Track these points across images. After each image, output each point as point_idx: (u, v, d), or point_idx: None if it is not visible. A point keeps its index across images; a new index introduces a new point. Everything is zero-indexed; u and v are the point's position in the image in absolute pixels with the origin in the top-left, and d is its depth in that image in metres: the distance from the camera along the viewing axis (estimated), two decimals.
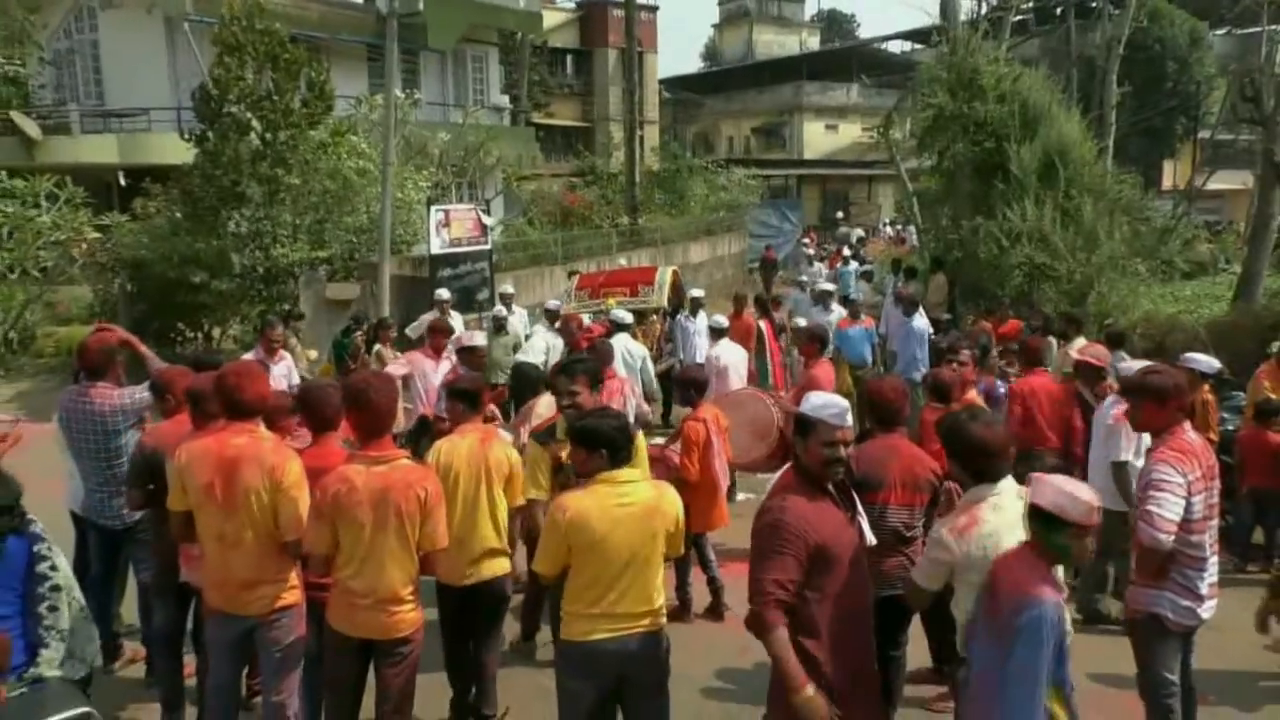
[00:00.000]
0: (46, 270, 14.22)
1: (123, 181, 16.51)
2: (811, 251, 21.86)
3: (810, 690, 3.16)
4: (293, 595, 3.91)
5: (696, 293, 11.23)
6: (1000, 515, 3.25)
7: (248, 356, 7.39)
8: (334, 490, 3.65)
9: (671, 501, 3.59)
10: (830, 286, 12.05)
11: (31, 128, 18.19)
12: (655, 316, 11.59)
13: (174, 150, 14.45)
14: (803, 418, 3.43)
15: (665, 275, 12.15)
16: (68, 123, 19.28)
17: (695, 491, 5.60)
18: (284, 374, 7.87)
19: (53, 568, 3.41)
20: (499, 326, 10.12)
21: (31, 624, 3.36)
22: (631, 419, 6.87)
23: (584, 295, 11.88)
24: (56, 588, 3.41)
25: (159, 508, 4.21)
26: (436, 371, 7.98)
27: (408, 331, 9.99)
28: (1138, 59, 22.60)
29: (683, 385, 6.20)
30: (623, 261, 19.16)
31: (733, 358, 8.70)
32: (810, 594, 3.29)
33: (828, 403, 3.40)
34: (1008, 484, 3.34)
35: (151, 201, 14.09)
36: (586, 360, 5.22)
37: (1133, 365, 4.89)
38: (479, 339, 7.54)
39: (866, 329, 10.17)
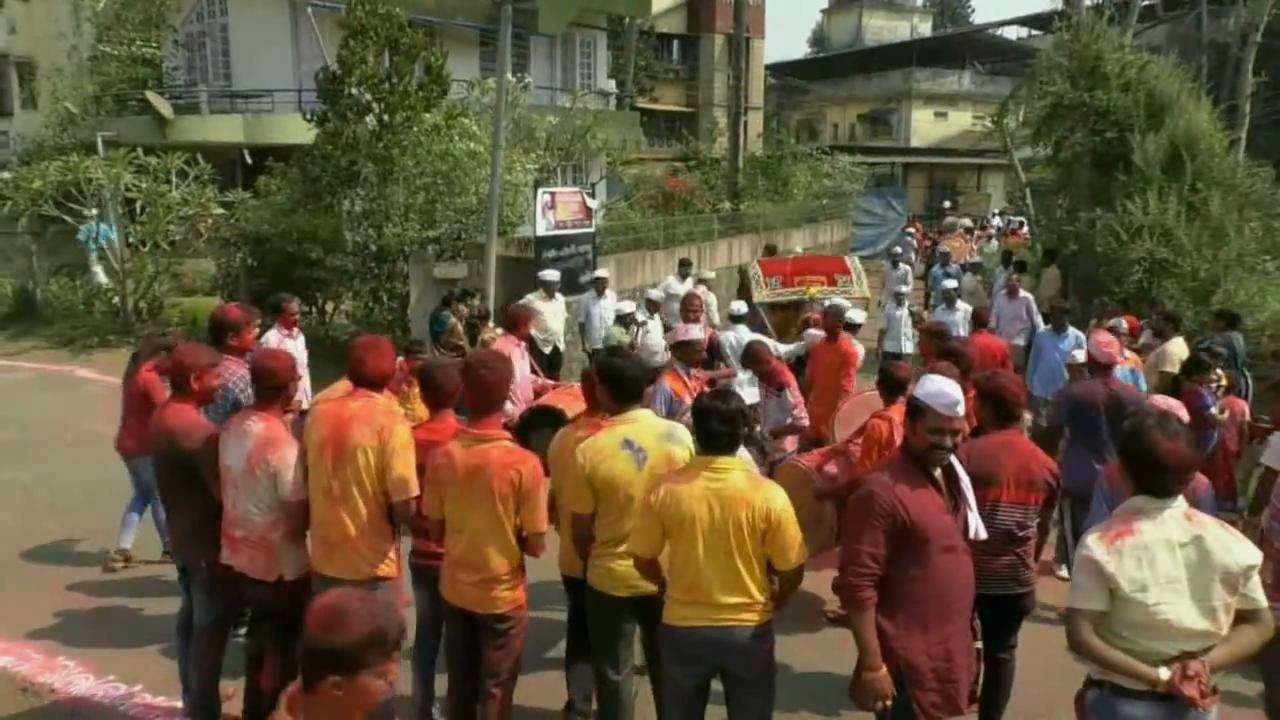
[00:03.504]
0: (175, 243, 14.97)
1: (249, 159, 17.19)
2: (899, 249, 18.42)
3: (881, 672, 3.35)
4: (388, 568, 4.07)
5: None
6: (1160, 531, 2.93)
7: (270, 335, 7.19)
8: (436, 463, 3.86)
9: (766, 497, 3.48)
10: (953, 284, 11.65)
11: (165, 107, 19.10)
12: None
13: (295, 130, 14.99)
14: (914, 401, 3.47)
15: (857, 263, 11.67)
16: (197, 103, 20.19)
17: None
18: (302, 351, 7.51)
19: None
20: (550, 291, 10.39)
21: None
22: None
23: (775, 283, 11.38)
24: None
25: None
26: (523, 359, 7.72)
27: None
28: (1275, 46, 21.37)
29: (884, 382, 5.67)
30: (724, 247, 19.11)
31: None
32: (893, 573, 3.36)
33: (941, 391, 3.42)
34: (1176, 507, 2.98)
35: (273, 180, 14.66)
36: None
37: None
38: (695, 332, 6.86)
39: (1133, 369, 7.79)
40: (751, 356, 6.96)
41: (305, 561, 4.16)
